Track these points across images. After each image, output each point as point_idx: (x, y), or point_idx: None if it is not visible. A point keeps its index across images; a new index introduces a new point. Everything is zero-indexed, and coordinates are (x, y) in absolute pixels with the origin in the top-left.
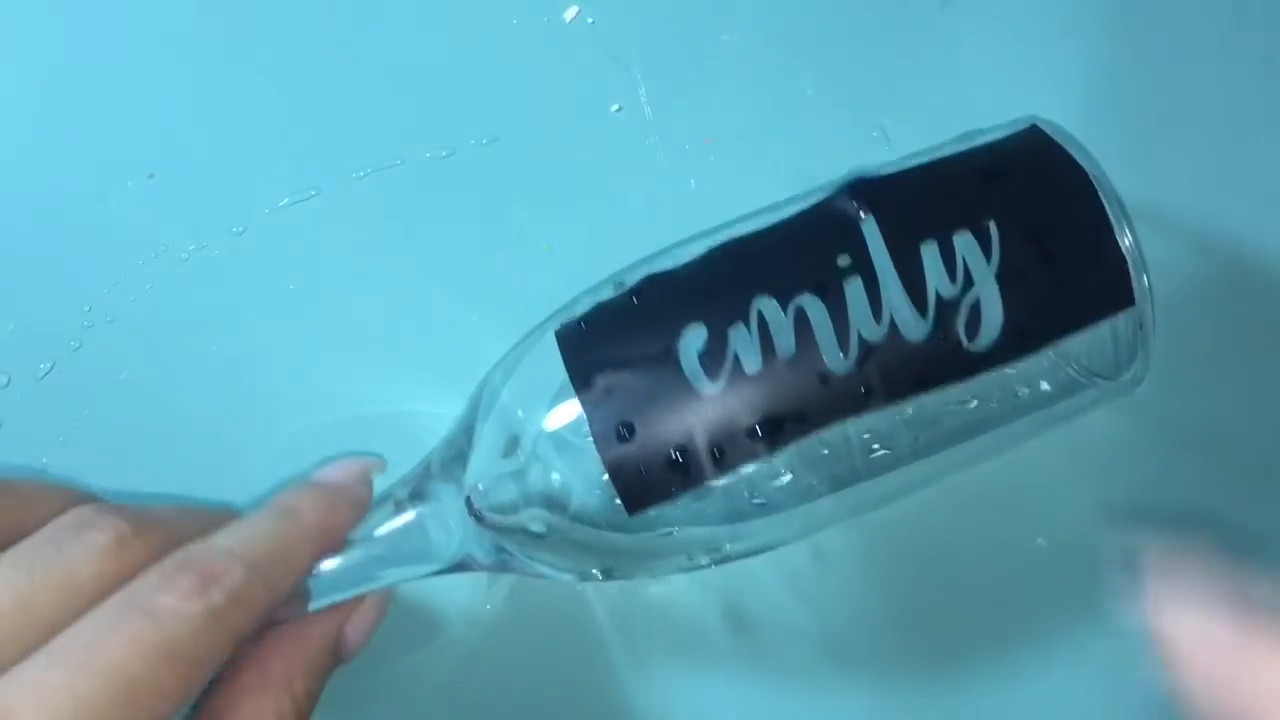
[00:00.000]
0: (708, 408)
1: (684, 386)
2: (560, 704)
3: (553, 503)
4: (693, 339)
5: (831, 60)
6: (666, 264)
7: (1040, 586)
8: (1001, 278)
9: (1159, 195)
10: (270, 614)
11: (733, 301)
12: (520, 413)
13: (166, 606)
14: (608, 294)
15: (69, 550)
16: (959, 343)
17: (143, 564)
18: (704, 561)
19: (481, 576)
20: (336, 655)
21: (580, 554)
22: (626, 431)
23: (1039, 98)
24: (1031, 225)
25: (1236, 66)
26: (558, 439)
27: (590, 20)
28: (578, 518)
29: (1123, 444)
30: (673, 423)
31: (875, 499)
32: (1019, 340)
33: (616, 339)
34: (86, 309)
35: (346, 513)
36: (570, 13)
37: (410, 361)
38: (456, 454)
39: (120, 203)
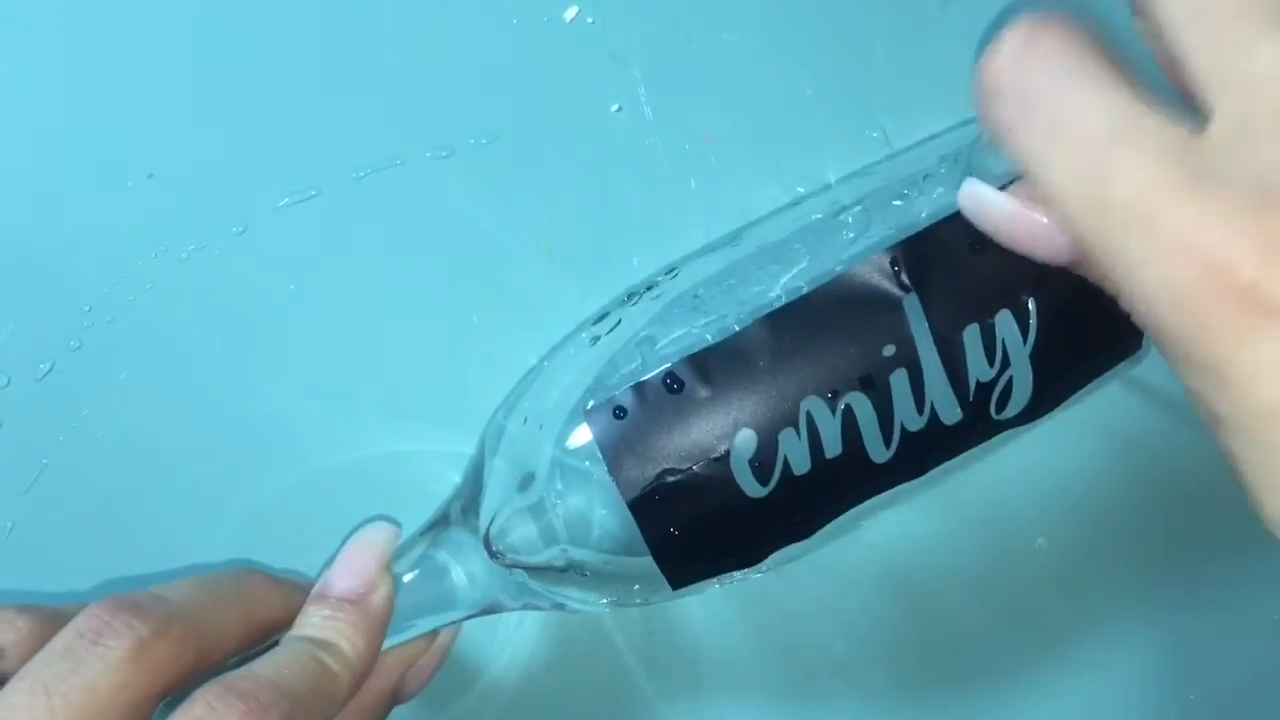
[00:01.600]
0: (758, 508)
1: (735, 493)
2: None
3: (573, 535)
4: (743, 446)
5: (831, 60)
6: (704, 338)
7: (1040, 586)
8: (1034, 356)
9: None
10: None
11: (782, 403)
12: (531, 451)
13: None
14: (632, 364)
15: (87, 664)
16: (989, 417)
17: (167, 665)
18: (731, 582)
19: (512, 617)
20: (392, 700)
21: (605, 584)
22: (678, 532)
23: None
24: (1060, 295)
25: None
26: (571, 471)
27: (590, 20)
28: (599, 548)
29: (1121, 443)
30: (724, 525)
31: (892, 500)
32: (1042, 405)
33: (661, 442)
34: (86, 309)
35: (379, 634)
36: (570, 13)
37: (410, 361)
38: (470, 498)
39: (120, 203)
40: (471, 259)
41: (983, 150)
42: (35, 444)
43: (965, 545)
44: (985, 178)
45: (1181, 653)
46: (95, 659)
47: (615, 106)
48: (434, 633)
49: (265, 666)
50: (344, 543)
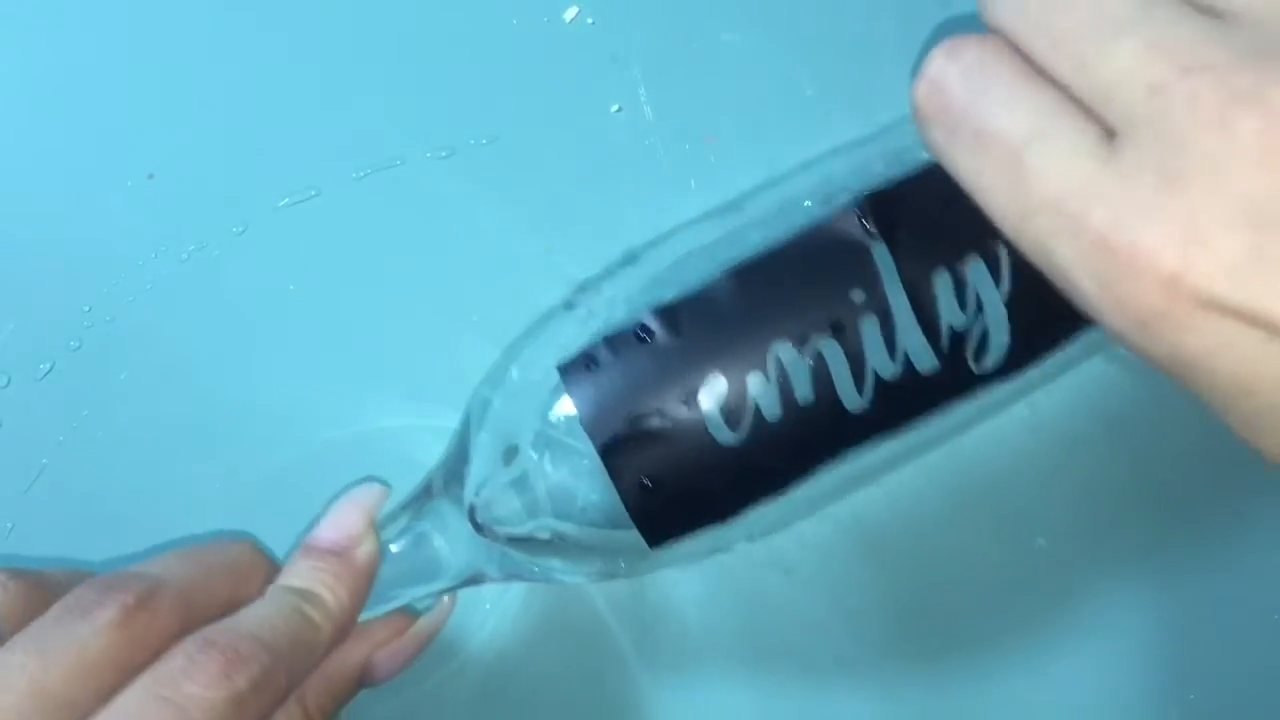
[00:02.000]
0: (730, 456)
1: (706, 439)
2: (579, 712)
3: (556, 507)
4: (712, 389)
5: (831, 60)
6: (670, 293)
7: (1040, 586)
8: (1010, 304)
9: None
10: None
11: (750, 347)
12: (514, 422)
13: (190, 694)
14: (600, 320)
15: (76, 629)
16: (968, 368)
17: (153, 632)
18: (711, 554)
19: (495, 589)
20: (359, 680)
21: (589, 555)
22: (650, 482)
23: None
24: None
25: None
26: (555, 444)
27: (590, 20)
28: (583, 520)
29: (1117, 429)
30: (696, 473)
31: (878, 465)
32: (1023, 356)
33: (631, 388)
34: (86, 309)
35: (364, 589)
36: (570, 13)
37: (411, 361)
38: (455, 470)
39: (120, 203)
40: (471, 259)
41: None
42: (35, 444)
43: (964, 546)
44: None
45: (1181, 648)
46: (85, 626)
47: (615, 106)
48: (412, 616)
49: (247, 618)
50: (332, 501)
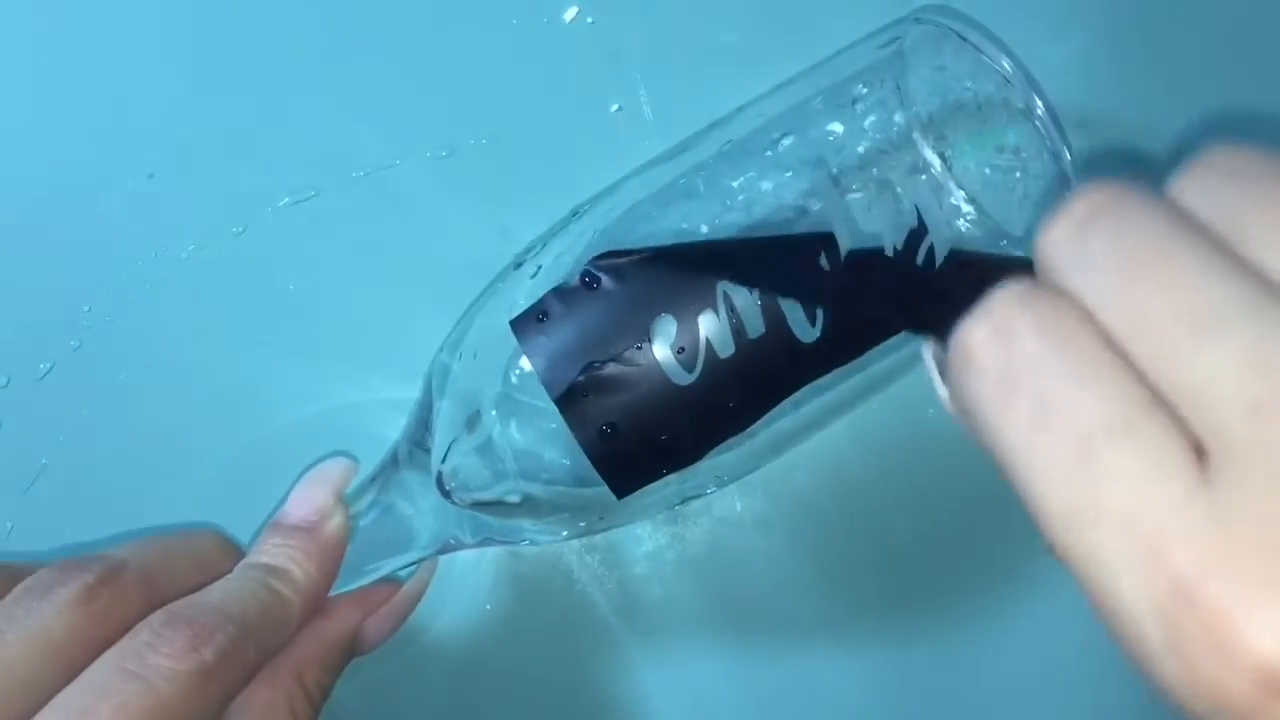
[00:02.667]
0: (687, 396)
1: (662, 381)
2: (558, 680)
3: (523, 469)
4: (665, 332)
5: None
6: (618, 242)
7: (1040, 586)
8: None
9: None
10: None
11: (699, 289)
12: (475, 387)
13: (156, 666)
14: (550, 275)
15: (38, 609)
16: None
17: (117, 609)
18: (683, 501)
19: (470, 556)
20: (350, 649)
21: (559, 514)
22: (610, 429)
23: None
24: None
25: (1234, 72)
26: (517, 406)
27: (590, 20)
28: (550, 479)
29: None
30: (655, 416)
31: (841, 401)
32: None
33: (583, 337)
34: (86, 309)
35: (333, 563)
36: (570, 13)
37: (411, 361)
38: (419, 439)
39: (120, 203)
40: (471, 259)
41: (910, 97)
42: (35, 444)
43: (964, 545)
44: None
45: None
46: (47, 604)
47: (615, 106)
48: (397, 583)
49: (214, 593)
50: (299, 477)
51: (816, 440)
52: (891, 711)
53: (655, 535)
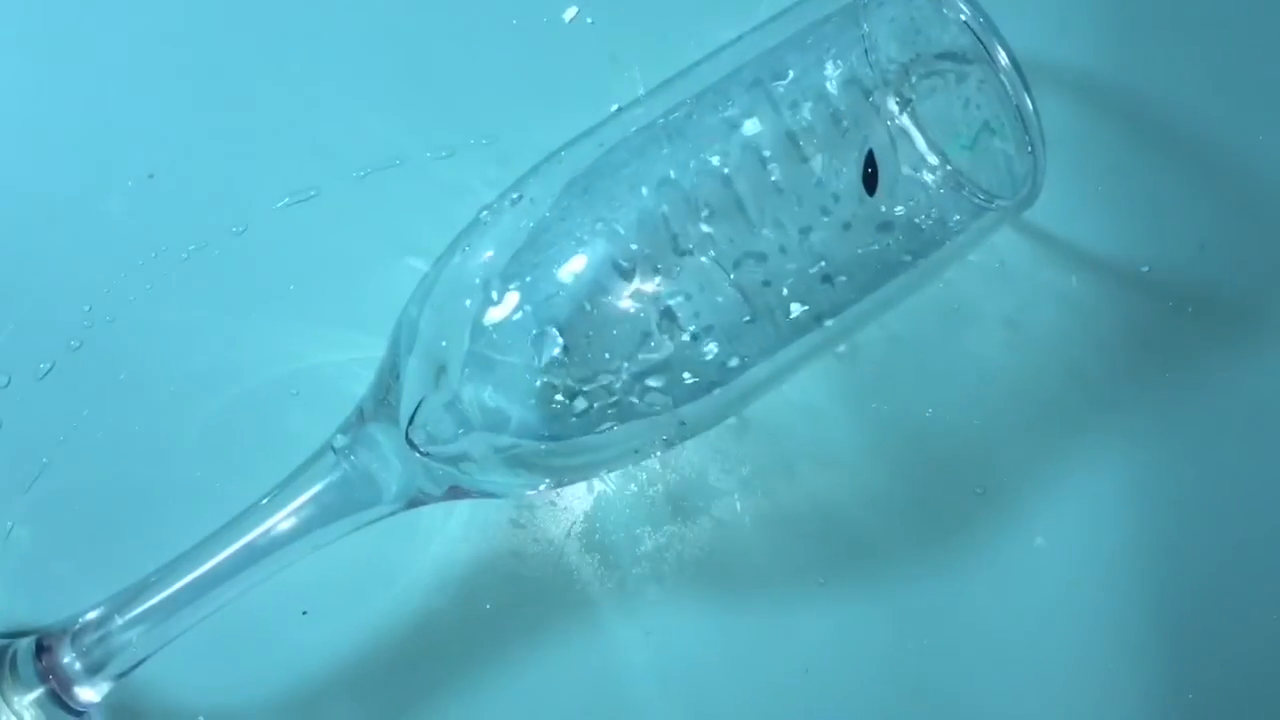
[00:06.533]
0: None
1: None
2: (530, 636)
3: (490, 423)
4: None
5: None
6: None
7: (1040, 586)
8: None
9: (1153, 195)
10: None
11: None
12: (442, 341)
13: None
14: (524, 220)
15: None
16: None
17: None
18: (653, 449)
19: (439, 509)
20: None
21: (529, 467)
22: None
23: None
24: None
25: (1232, 74)
26: (484, 360)
27: (590, 20)
28: (518, 433)
29: (1119, 438)
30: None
31: (800, 356)
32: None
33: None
34: (86, 309)
35: None
36: (570, 13)
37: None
38: (386, 393)
39: (120, 203)
40: None
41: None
42: (35, 444)
43: (964, 545)
44: None
45: (1181, 646)
46: None
47: (615, 106)
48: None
49: None
50: None
51: (816, 440)
52: (892, 711)
53: (655, 535)
